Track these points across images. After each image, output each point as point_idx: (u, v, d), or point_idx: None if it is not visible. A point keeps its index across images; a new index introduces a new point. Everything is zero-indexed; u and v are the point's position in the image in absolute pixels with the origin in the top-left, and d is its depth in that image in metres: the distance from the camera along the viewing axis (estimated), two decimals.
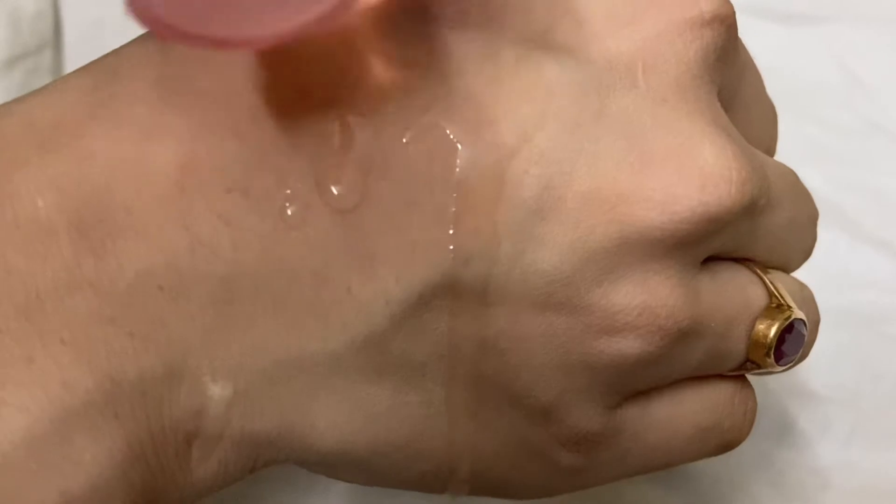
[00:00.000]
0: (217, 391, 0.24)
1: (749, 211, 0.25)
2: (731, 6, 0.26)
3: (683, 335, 0.25)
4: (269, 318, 0.24)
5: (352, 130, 0.23)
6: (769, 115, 0.30)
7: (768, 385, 0.35)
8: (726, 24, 0.26)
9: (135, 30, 0.38)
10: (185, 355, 0.23)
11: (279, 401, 0.24)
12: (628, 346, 0.25)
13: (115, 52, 0.25)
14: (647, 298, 0.25)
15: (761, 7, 0.38)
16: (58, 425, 0.22)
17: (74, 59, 0.38)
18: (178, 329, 0.23)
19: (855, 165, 0.38)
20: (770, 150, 0.30)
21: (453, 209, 0.24)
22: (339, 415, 0.25)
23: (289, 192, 0.23)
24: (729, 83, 0.27)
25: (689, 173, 0.24)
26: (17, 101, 0.24)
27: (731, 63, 0.26)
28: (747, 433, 0.28)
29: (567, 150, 0.24)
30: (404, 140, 0.23)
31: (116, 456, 0.23)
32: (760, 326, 0.27)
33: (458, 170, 0.24)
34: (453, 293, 0.24)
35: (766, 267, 0.28)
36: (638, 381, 0.26)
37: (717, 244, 0.26)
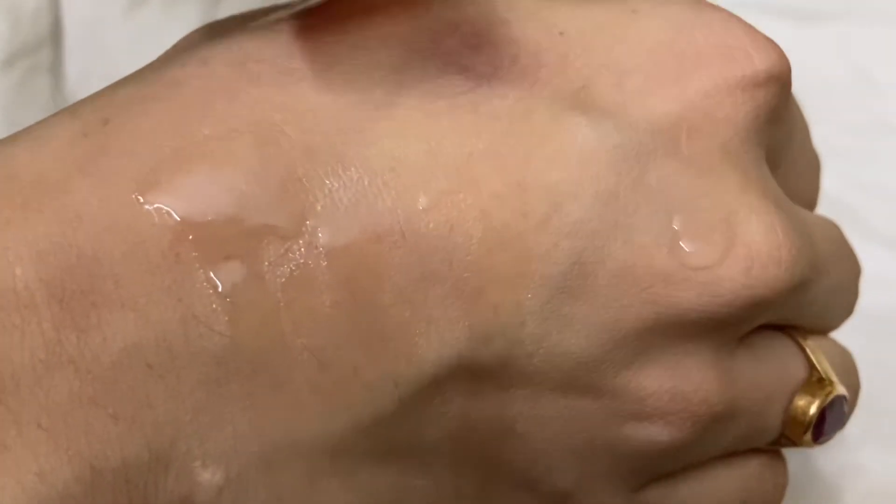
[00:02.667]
0: (207, 477, 0.22)
1: (798, 289, 0.24)
2: (787, 61, 0.24)
3: (717, 420, 0.24)
4: (266, 398, 0.22)
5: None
6: (814, 167, 0.28)
7: None
8: (781, 82, 0.24)
9: (135, 29, 0.37)
10: (173, 439, 0.21)
11: (276, 487, 0.22)
12: (657, 432, 0.23)
13: (107, 91, 0.23)
14: (679, 383, 0.23)
15: (772, 5, 0.38)
16: None
17: (74, 57, 0.38)
18: (167, 410, 0.21)
19: (867, 165, 0.37)
20: (812, 203, 0.28)
21: (473, 284, 0.22)
22: (341, 501, 0.23)
23: (293, 262, 0.21)
24: (777, 143, 0.25)
25: (734, 253, 0.23)
26: None
27: (782, 122, 0.25)
28: None
29: (601, 222, 0.22)
30: (420, 207, 0.22)
31: None
32: (800, 403, 0.25)
33: (479, 240, 0.22)
34: (470, 374, 0.22)
35: (808, 332, 0.26)
36: (665, 466, 0.24)
37: (760, 322, 0.24)
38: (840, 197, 0.35)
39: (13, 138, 0.22)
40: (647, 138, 0.23)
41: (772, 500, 0.26)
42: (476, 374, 0.22)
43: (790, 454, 0.34)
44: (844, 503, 0.34)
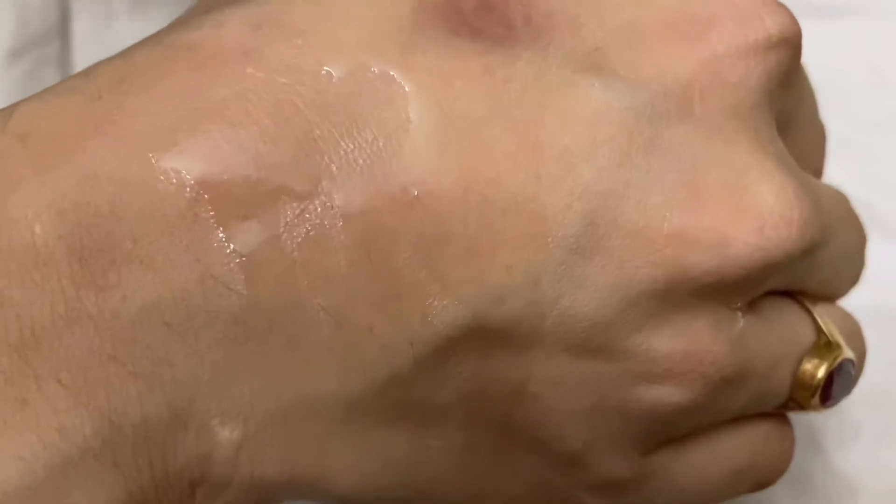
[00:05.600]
0: (226, 435, 0.22)
1: (808, 252, 0.24)
2: (798, 26, 0.24)
3: (727, 382, 0.24)
4: (283, 357, 0.22)
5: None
6: (820, 136, 0.28)
7: None
8: (792, 45, 0.24)
9: (145, 20, 0.37)
10: (192, 397, 0.21)
11: (291, 445, 0.22)
12: (668, 394, 0.23)
13: (122, 54, 0.23)
14: (690, 345, 0.23)
15: (786, 1, 0.38)
16: (52, 475, 0.20)
17: (82, 50, 0.38)
18: (186, 369, 0.21)
19: (881, 161, 0.37)
20: (818, 172, 0.28)
21: (487, 245, 0.22)
22: (355, 459, 0.23)
23: (310, 222, 0.22)
24: (787, 107, 0.25)
25: (746, 214, 0.23)
26: (10, 108, 0.22)
27: (792, 86, 0.25)
28: (783, 472, 0.27)
29: (614, 182, 0.22)
30: (435, 169, 0.22)
31: None
32: (808, 366, 0.25)
33: (494, 202, 0.22)
34: (483, 335, 0.22)
35: (816, 298, 0.26)
36: (675, 429, 0.24)
37: (770, 286, 0.24)
38: (855, 193, 0.35)
39: (27, 99, 0.22)
40: (660, 100, 0.23)
41: (778, 464, 0.26)
42: (490, 334, 0.22)
43: (808, 453, 0.34)
44: (863, 503, 0.34)
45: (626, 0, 0.23)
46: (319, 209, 0.22)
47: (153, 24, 0.36)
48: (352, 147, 0.22)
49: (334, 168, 0.22)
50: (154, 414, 0.21)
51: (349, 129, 0.22)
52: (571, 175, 0.22)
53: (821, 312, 0.26)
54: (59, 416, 0.20)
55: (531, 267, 0.22)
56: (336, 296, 0.22)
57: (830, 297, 0.27)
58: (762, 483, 0.27)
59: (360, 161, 0.22)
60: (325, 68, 0.22)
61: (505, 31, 0.23)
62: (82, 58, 0.37)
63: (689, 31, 0.23)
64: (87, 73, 0.23)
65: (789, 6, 0.37)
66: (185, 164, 0.21)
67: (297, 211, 0.22)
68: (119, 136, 0.21)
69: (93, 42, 0.37)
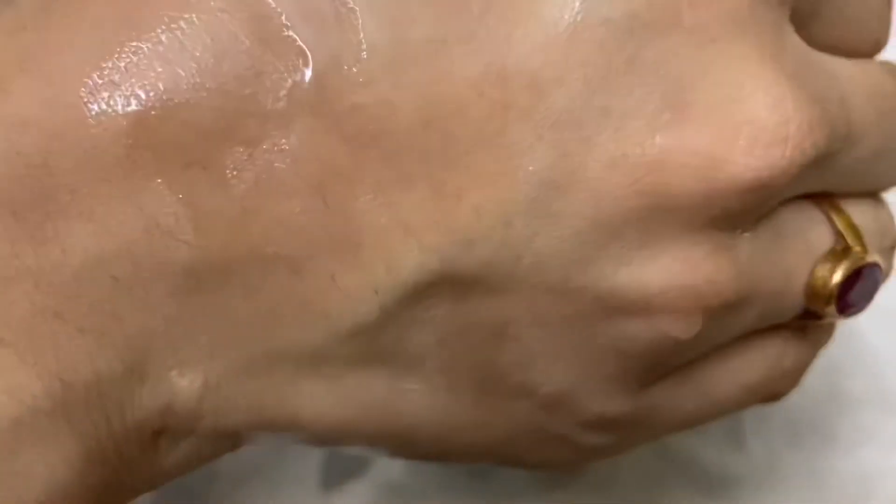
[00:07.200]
0: (185, 385, 0.21)
1: (815, 165, 0.21)
2: None
3: (733, 309, 0.22)
4: (240, 307, 0.21)
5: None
6: (874, 4, 0.24)
7: (809, 390, 0.34)
8: None
9: None
10: (146, 350, 0.20)
11: (256, 392, 0.21)
12: (668, 328, 0.21)
13: None
14: (688, 276, 0.21)
15: None
16: (4, 436, 0.19)
17: None
18: (137, 322, 0.20)
19: None
20: (879, 42, 0.24)
21: (452, 185, 0.20)
22: (328, 404, 0.22)
23: (258, 167, 0.20)
24: None
25: (736, 132, 0.20)
26: None
27: None
28: (796, 384, 0.25)
29: (589, 109, 0.20)
30: (391, 103, 0.20)
31: (74, 464, 0.20)
32: (821, 273, 0.23)
33: (457, 137, 0.20)
34: (454, 280, 0.21)
35: (843, 197, 0.23)
36: (677, 360, 0.23)
37: (778, 201, 0.22)
38: None
39: None
40: (643, 9, 0.20)
41: (790, 378, 0.25)
42: (461, 279, 0.21)
43: (822, 457, 0.33)
44: None
45: None
46: (268, 153, 0.20)
47: None
48: (298, 80, 0.20)
49: (281, 105, 0.20)
50: (106, 369, 0.20)
51: (294, 61, 0.20)
52: (542, 103, 0.20)
53: (844, 214, 0.23)
54: (5, 376, 0.20)
55: (501, 206, 0.20)
56: (292, 244, 0.20)
57: (869, 193, 0.24)
58: (773, 397, 0.25)
59: (309, 97, 0.20)
60: None
61: None
62: None
63: None
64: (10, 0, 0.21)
65: None
66: (119, 106, 0.20)
67: (245, 156, 0.20)
68: (44, 75, 0.20)
69: None
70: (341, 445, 0.23)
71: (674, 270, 0.21)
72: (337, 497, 0.32)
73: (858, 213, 0.24)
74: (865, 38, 0.24)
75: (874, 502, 0.33)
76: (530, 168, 0.20)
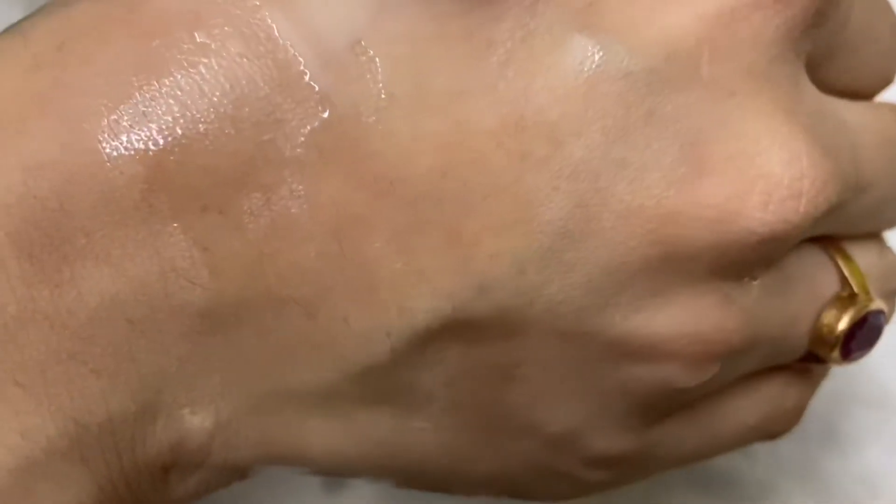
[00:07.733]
0: (197, 422, 0.21)
1: (826, 216, 0.21)
2: None
3: (739, 354, 0.22)
4: (253, 348, 0.21)
5: None
6: (886, 39, 0.24)
7: None
8: None
9: None
10: (159, 390, 0.21)
11: (266, 429, 0.22)
12: (675, 375, 0.22)
13: (61, 7, 0.21)
14: (696, 325, 0.21)
15: None
16: (19, 478, 0.20)
17: None
18: (151, 363, 0.20)
19: None
20: (889, 79, 0.25)
21: (468, 232, 0.20)
22: (336, 440, 0.22)
23: (275, 212, 0.20)
24: (824, 41, 0.22)
25: (749, 185, 0.20)
26: None
27: (825, 23, 0.22)
28: (796, 423, 0.25)
29: (607, 160, 0.20)
30: (409, 151, 0.20)
31: (86, 502, 0.20)
32: (827, 319, 0.23)
33: (474, 186, 0.20)
34: (466, 325, 0.21)
35: (849, 239, 0.24)
36: (683, 401, 0.23)
37: (786, 250, 0.22)
38: None
39: None
40: (662, 64, 0.20)
41: (790, 417, 0.25)
42: (472, 324, 0.21)
43: (827, 457, 0.34)
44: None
45: None
46: (285, 198, 0.20)
47: None
48: (318, 127, 0.20)
49: (299, 153, 0.20)
50: (119, 409, 0.20)
51: (314, 108, 0.20)
52: (560, 154, 0.20)
53: (851, 255, 0.24)
54: (20, 418, 0.20)
55: (516, 254, 0.20)
56: (307, 287, 0.20)
57: (871, 235, 0.25)
58: (774, 435, 0.25)
59: (328, 144, 0.20)
60: (284, 36, 0.20)
61: None
62: None
63: None
64: (24, 33, 0.21)
65: None
66: (135, 151, 0.20)
67: (262, 200, 0.20)
68: (61, 117, 0.20)
69: None
70: (348, 478, 0.24)
71: (683, 318, 0.21)
72: (338, 496, 0.32)
73: (863, 256, 0.24)
74: (878, 76, 0.24)
75: (881, 501, 0.33)
76: (546, 218, 0.20)
